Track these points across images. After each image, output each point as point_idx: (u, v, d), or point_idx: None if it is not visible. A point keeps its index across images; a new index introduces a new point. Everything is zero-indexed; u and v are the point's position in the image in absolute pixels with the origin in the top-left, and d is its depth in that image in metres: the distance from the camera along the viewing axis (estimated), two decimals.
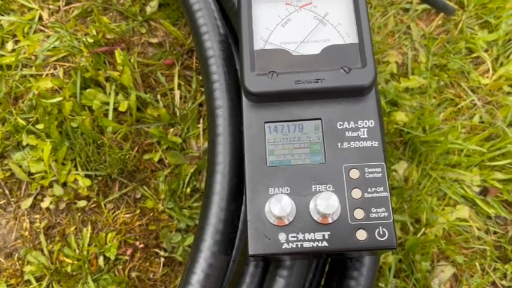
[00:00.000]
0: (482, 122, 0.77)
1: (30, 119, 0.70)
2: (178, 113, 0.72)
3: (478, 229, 0.70)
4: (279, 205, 0.41)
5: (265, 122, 0.45)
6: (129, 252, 0.65)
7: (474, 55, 0.82)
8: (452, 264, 0.68)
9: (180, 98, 0.73)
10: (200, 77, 0.75)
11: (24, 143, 0.69)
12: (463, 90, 0.79)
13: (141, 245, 0.65)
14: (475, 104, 0.78)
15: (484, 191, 0.73)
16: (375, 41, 0.81)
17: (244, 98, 0.46)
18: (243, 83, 0.45)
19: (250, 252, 0.42)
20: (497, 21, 0.84)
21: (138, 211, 0.67)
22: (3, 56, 0.75)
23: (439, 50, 0.82)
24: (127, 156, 0.67)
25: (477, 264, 0.67)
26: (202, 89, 0.74)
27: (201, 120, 0.72)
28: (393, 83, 0.78)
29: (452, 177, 0.73)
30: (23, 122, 0.69)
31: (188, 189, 0.68)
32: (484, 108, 0.78)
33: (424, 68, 0.80)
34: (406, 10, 0.86)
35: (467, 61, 0.81)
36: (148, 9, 0.79)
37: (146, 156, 0.70)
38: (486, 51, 0.83)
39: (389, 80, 0.79)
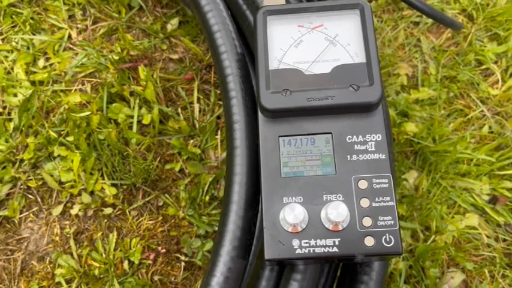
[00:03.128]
0: (492, 132, 0.78)
1: (61, 132, 0.75)
2: (197, 125, 0.76)
3: (488, 237, 0.71)
4: (293, 213, 0.44)
5: (280, 136, 0.48)
6: (152, 256, 0.69)
7: (483, 67, 0.84)
8: (462, 271, 0.69)
9: (199, 111, 0.77)
10: (218, 91, 0.78)
11: (55, 154, 0.73)
12: (473, 101, 0.81)
13: (163, 250, 0.69)
14: (484, 115, 0.80)
15: (494, 200, 0.74)
16: (386, 54, 0.83)
17: (260, 114, 0.49)
18: (259, 100, 0.48)
19: (266, 257, 0.45)
20: (506, 33, 0.86)
21: (160, 218, 0.71)
22: (35, 72, 0.80)
23: (448, 62, 0.84)
24: (150, 166, 0.71)
25: (486, 271, 0.69)
26: (220, 103, 0.78)
27: (219, 132, 0.76)
28: (403, 95, 0.80)
29: (461, 186, 0.74)
30: (55, 135, 0.73)
31: (207, 197, 0.71)
32: (493, 118, 0.79)
33: (434, 79, 0.82)
34: (416, 23, 0.88)
35: (477, 73, 0.83)
36: (169, 27, 0.83)
37: (168, 166, 0.74)
38: (495, 62, 0.84)
39: (400, 92, 0.81)
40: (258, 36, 0.51)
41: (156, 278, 0.68)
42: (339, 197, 0.46)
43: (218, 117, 0.77)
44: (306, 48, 0.51)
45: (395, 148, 0.76)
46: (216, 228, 0.70)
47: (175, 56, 0.82)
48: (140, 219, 0.71)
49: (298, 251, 0.45)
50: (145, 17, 0.85)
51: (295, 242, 0.45)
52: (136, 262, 0.68)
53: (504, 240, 0.71)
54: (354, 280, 0.54)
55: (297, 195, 0.46)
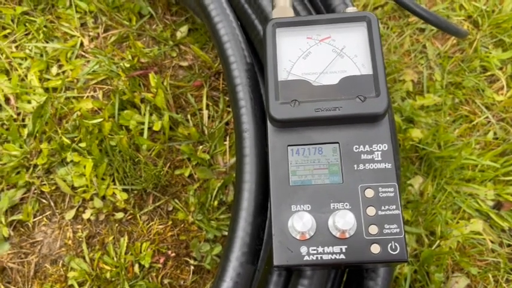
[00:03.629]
0: (497, 138, 0.79)
1: (74, 138, 0.76)
2: (206, 132, 0.77)
3: (492, 242, 0.72)
4: (301, 221, 0.46)
5: (288, 145, 0.49)
6: (161, 260, 0.70)
7: (488, 73, 0.85)
8: (466, 276, 0.70)
9: (208, 118, 0.79)
10: (226, 98, 0.80)
11: (68, 160, 0.75)
12: (478, 107, 0.82)
13: (173, 254, 0.71)
14: (489, 121, 0.81)
15: (498, 205, 0.75)
16: (391, 61, 0.84)
17: (269, 124, 0.51)
18: (268, 110, 0.49)
19: (275, 263, 0.46)
20: (511, 39, 0.86)
21: (170, 222, 0.73)
22: (49, 79, 0.82)
23: (454, 68, 0.85)
24: (160, 172, 0.73)
25: (491, 276, 0.69)
26: (229, 109, 0.79)
27: (228, 138, 0.77)
28: (409, 101, 0.81)
29: (466, 192, 0.75)
30: (68, 141, 0.75)
31: (215, 202, 0.73)
32: (498, 124, 0.80)
33: (439, 86, 0.83)
34: (422, 30, 0.89)
35: (482, 79, 0.84)
36: (179, 34, 0.85)
37: (177, 172, 0.75)
38: (500, 69, 0.85)
39: (406, 98, 0.82)
40: (267, 48, 0.52)
41: (166, 281, 0.70)
42: (346, 205, 0.47)
43: (227, 124, 0.78)
44: (314, 59, 0.52)
45: (401, 154, 0.77)
46: (225, 233, 0.71)
47: (184, 63, 0.83)
48: (150, 224, 0.73)
49: (306, 257, 0.46)
50: (155, 24, 0.87)
51: (303, 249, 0.46)
52: (147, 266, 0.69)
53: (508, 245, 0.72)
54: (360, 285, 0.55)
55: (305, 204, 0.47)
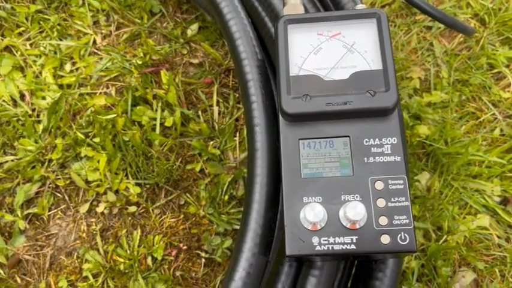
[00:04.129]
0: (503, 135, 0.80)
1: (88, 133, 0.78)
2: (217, 128, 0.79)
3: (499, 237, 0.73)
4: (313, 212, 0.47)
5: (300, 139, 0.50)
6: (174, 253, 0.72)
7: (495, 70, 0.85)
8: (473, 270, 0.71)
9: (219, 114, 0.80)
10: (236, 94, 0.81)
11: (82, 154, 0.77)
12: (484, 104, 0.83)
13: (185, 247, 0.72)
14: (495, 118, 0.82)
15: (505, 201, 0.76)
16: (399, 58, 0.85)
17: (281, 118, 0.52)
18: (280, 105, 0.51)
19: (287, 253, 0.47)
20: None
21: (182, 216, 0.74)
22: (62, 76, 0.84)
23: (460, 65, 0.86)
24: (173, 167, 0.75)
25: (497, 270, 0.70)
26: (239, 105, 0.81)
27: (237, 134, 0.79)
28: (416, 98, 0.82)
29: (473, 188, 0.76)
30: (82, 136, 0.77)
31: (226, 197, 0.74)
32: (504, 121, 0.81)
33: (446, 83, 0.84)
34: (429, 28, 0.90)
35: (489, 76, 0.85)
36: (189, 32, 0.87)
37: (189, 167, 0.77)
38: (507, 66, 0.86)
39: (413, 95, 0.83)
40: (279, 44, 0.54)
41: (178, 273, 0.71)
42: (357, 197, 0.48)
43: (237, 120, 0.80)
44: (325, 55, 0.54)
45: (408, 150, 0.78)
46: (235, 227, 0.72)
47: (195, 61, 0.85)
48: (163, 217, 0.74)
49: (318, 247, 0.47)
50: (166, 22, 0.89)
51: (315, 240, 0.47)
52: (159, 258, 0.71)
53: None
54: (369, 277, 0.56)
55: (316, 195, 0.48)
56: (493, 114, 0.82)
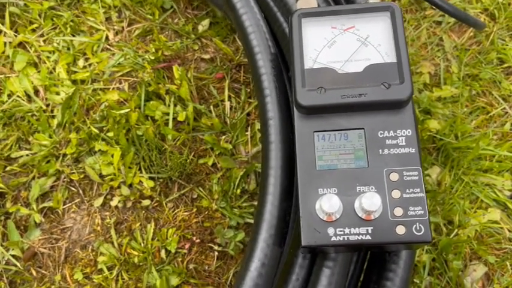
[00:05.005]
0: None
1: (102, 128, 0.79)
2: (228, 122, 0.80)
3: (509, 231, 0.73)
4: (329, 203, 0.47)
5: (315, 131, 0.51)
6: (187, 246, 0.72)
7: (505, 65, 0.85)
8: (484, 264, 0.71)
9: (230, 109, 0.81)
10: (248, 89, 0.82)
11: (96, 149, 0.78)
12: (495, 99, 0.83)
13: (198, 240, 0.73)
14: (506, 112, 0.82)
15: None
16: (409, 53, 0.85)
17: (295, 110, 0.52)
18: (295, 97, 0.51)
19: (303, 243, 0.47)
20: None
21: (194, 209, 0.75)
22: (76, 72, 0.85)
23: (470, 60, 0.86)
24: (186, 161, 0.75)
25: (508, 264, 0.70)
26: (250, 100, 0.81)
27: (249, 129, 0.79)
28: (426, 93, 0.82)
29: (484, 182, 0.76)
30: (96, 131, 0.78)
31: (238, 191, 0.75)
32: None
33: (456, 78, 0.84)
34: (439, 23, 0.90)
35: (499, 71, 0.85)
36: (200, 28, 0.87)
37: (201, 161, 0.77)
38: None
39: (423, 90, 0.83)
40: (293, 37, 0.54)
41: (191, 266, 0.72)
42: (372, 188, 0.48)
43: (248, 114, 0.80)
44: (339, 48, 0.54)
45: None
46: (247, 220, 0.73)
47: (206, 56, 0.85)
48: (176, 211, 0.75)
49: (333, 238, 0.47)
50: (177, 18, 0.89)
51: (331, 230, 0.47)
52: (173, 251, 0.72)
53: None
54: (382, 268, 0.57)
55: (331, 187, 0.49)
56: (504, 108, 0.82)
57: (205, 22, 0.87)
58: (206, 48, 0.87)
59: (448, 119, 0.80)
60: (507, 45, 0.87)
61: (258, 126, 0.78)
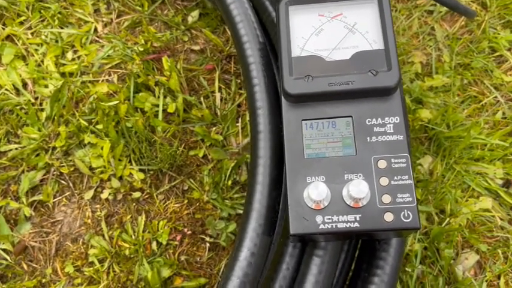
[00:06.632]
0: (505, 118, 0.80)
1: (91, 120, 0.79)
2: (219, 113, 0.79)
3: (501, 219, 0.73)
4: (316, 191, 0.47)
5: (303, 120, 0.51)
6: (178, 238, 0.72)
7: (497, 54, 0.85)
8: (476, 252, 0.71)
9: (221, 100, 0.80)
10: (238, 81, 0.82)
11: (85, 142, 0.77)
12: (486, 88, 0.83)
13: (189, 232, 0.73)
14: (498, 101, 0.82)
15: (507, 183, 0.76)
16: (400, 43, 0.85)
17: (283, 99, 0.52)
18: (282, 86, 0.51)
19: (291, 232, 0.47)
20: None
21: (185, 201, 0.75)
22: (64, 64, 0.84)
23: (462, 49, 0.86)
24: (176, 152, 0.75)
25: (500, 252, 0.70)
26: (241, 91, 0.81)
27: (240, 120, 0.79)
28: (418, 82, 0.82)
29: (475, 170, 0.76)
30: (85, 123, 0.77)
31: (229, 182, 0.74)
32: (506, 104, 0.81)
33: (448, 67, 0.84)
34: (430, 12, 0.90)
35: (490, 60, 0.85)
36: (190, 19, 0.87)
37: (192, 152, 0.77)
38: (509, 49, 0.86)
39: (414, 79, 0.83)
40: (280, 25, 0.54)
41: (182, 258, 0.72)
42: (360, 176, 0.48)
43: (239, 106, 0.80)
44: (327, 36, 0.54)
45: (410, 134, 0.78)
46: (238, 211, 0.73)
47: (196, 47, 0.85)
48: (167, 203, 0.75)
49: (322, 226, 0.47)
50: (167, 9, 0.89)
51: (319, 218, 0.47)
52: (164, 243, 0.72)
53: None
54: (373, 256, 0.57)
55: (319, 175, 0.49)
56: (495, 97, 0.82)
57: (195, 13, 0.87)
58: (196, 39, 0.86)
59: (440, 109, 0.79)
60: (499, 33, 0.87)
61: (248, 117, 0.78)
